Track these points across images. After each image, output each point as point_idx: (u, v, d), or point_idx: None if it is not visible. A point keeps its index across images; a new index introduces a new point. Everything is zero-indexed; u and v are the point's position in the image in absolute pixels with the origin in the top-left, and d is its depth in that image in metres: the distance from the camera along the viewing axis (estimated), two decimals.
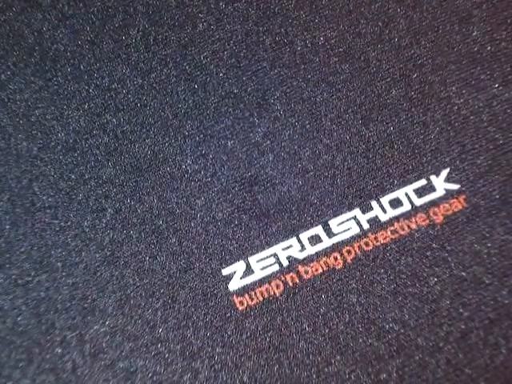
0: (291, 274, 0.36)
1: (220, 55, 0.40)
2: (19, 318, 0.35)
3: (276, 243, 0.36)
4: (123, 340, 0.35)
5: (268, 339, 0.35)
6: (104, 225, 0.36)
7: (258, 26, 0.40)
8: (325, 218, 0.37)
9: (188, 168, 0.38)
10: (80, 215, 0.37)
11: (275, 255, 0.36)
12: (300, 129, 0.38)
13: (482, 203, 0.37)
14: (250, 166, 0.38)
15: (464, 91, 0.39)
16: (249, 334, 0.35)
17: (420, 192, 0.38)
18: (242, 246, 0.36)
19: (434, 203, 0.37)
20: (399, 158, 0.38)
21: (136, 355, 0.34)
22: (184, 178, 0.38)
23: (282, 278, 0.36)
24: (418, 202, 0.37)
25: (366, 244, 0.36)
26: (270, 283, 0.36)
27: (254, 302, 0.35)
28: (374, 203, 0.37)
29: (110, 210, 0.37)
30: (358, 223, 0.37)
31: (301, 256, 0.36)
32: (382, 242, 0.37)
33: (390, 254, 0.36)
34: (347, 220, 0.37)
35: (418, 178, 0.38)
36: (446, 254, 0.36)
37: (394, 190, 0.38)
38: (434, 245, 0.36)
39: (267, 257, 0.36)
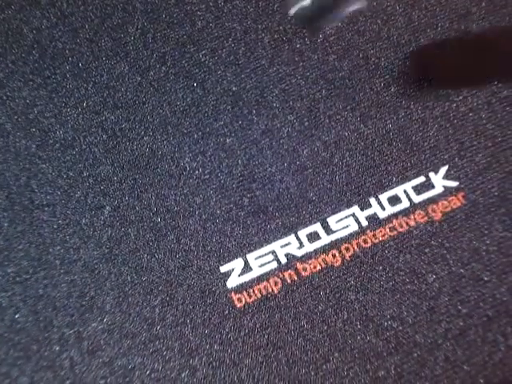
0: (289, 271, 0.36)
1: (218, 53, 0.40)
2: (17, 316, 0.35)
3: (274, 240, 0.36)
4: (121, 337, 0.35)
5: (266, 336, 0.35)
6: (102, 222, 0.36)
7: (257, 24, 0.40)
8: (323, 215, 0.37)
9: (186, 165, 0.38)
10: (78, 213, 0.37)
11: (273, 252, 0.36)
12: (298, 126, 0.38)
13: (480, 200, 0.37)
14: (248, 164, 0.38)
15: (463, 88, 0.39)
16: (247, 331, 0.35)
17: (418, 189, 0.37)
18: (241, 243, 0.36)
19: (432, 200, 0.37)
20: (398, 155, 0.38)
21: (134, 352, 0.34)
22: (182, 176, 0.38)
23: (281, 276, 0.36)
24: (417, 199, 0.37)
25: (365, 241, 0.36)
26: (268, 280, 0.36)
27: (252, 299, 0.35)
28: (372, 200, 0.37)
29: (108, 208, 0.37)
30: (357, 220, 0.37)
31: (299, 253, 0.36)
32: (380, 239, 0.36)
33: (389, 252, 0.36)
34: (346, 217, 0.37)
35: (417, 175, 0.38)
36: (445, 251, 0.36)
37: (392, 187, 0.37)
38: (432, 242, 0.36)
39: (265, 254, 0.36)
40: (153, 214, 0.37)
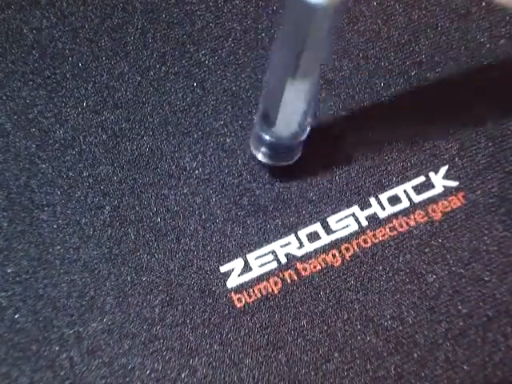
0: (289, 271, 0.36)
1: (218, 53, 0.40)
2: (17, 316, 0.35)
3: (274, 240, 0.36)
4: (121, 337, 0.34)
5: (266, 336, 0.35)
6: (102, 222, 0.36)
7: (257, 24, 0.40)
8: (323, 215, 0.37)
9: (186, 165, 0.38)
10: (78, 213, 0.36)
11: (273, 252, 0.36)
12: None
13: (480, 200, 0.37)
14: (248, 163, 0.38)
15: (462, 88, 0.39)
16: (247, 331, 0.35)
17: (419, 189, 0.37)
18: (241, 243, 0.36)
19: (432, 200, 0.37)
20: (398, 155, 0.38)
21: (134, 353, 0.34)
22: (182, 176, 0.38)
23: (281, 275, 0.36)
24: (417, 198, 0.37)
25: (365, 241, 0.36)
26: (268, 280, 0.36)
27: (252, 299, 0.35)
28: (372, 200, 0.37)
29: (108, 208, 0.37)
30: (357, 220, 0.37)
31: (299, 253, 0.36)
32: (380, 239, 0.36)
33: (389, 251, 0.36)
34: (346, 217, 0.37)
35: (417, 175, 0.38)
36: (445, 251, 0.36)
37: (392, 187, 0.37)
38: (432, 242, 0.36)
39: (265, 254, 0.36)
40: (152, 213, 0.37)
